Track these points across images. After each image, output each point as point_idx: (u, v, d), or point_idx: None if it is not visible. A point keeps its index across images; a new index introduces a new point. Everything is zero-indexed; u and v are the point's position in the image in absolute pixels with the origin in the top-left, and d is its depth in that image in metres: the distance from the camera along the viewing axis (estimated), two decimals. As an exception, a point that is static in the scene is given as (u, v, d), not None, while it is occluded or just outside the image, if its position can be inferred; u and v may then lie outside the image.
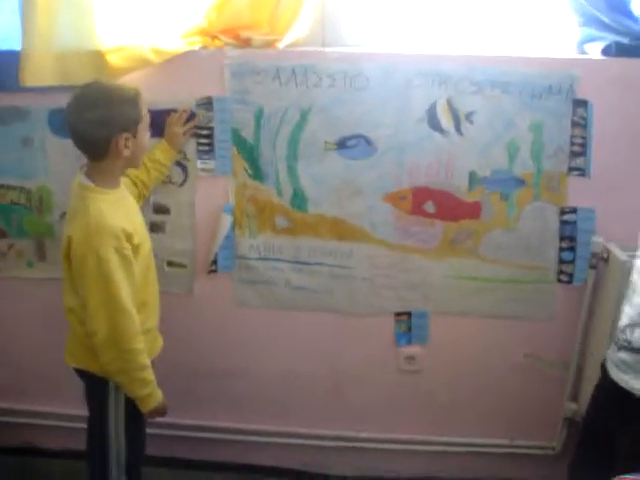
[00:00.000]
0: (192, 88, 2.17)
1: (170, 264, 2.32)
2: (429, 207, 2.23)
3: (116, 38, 2.09)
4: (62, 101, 1.78)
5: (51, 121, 2.21)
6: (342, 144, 2.18)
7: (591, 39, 2.11)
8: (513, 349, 2.32)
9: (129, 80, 2.07)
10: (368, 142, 2.17)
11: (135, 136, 1.77)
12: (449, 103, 2.13)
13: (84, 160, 1.81)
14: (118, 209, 1.81)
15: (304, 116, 2.15)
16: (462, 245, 2.25)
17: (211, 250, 2.26)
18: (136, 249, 1.82)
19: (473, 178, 2.18)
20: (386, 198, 2.22)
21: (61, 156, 2.21)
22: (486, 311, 2.31)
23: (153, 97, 2.05)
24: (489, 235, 2.23)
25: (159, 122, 2.14)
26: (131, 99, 1.77)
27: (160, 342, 2.02)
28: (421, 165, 2.19)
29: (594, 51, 2.09)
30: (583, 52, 2.15)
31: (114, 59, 2.10)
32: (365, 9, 2.27)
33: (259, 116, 2.17)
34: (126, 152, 1.76)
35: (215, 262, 2.28)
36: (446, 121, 2.15)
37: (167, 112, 2.17)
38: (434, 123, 2.15)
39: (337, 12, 2.26)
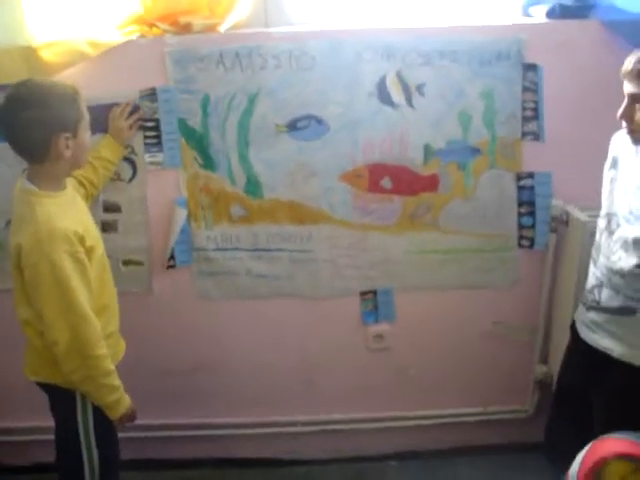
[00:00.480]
0: (133, 80, 2.08)
1: (126, 263, 2.24)
2: (386, 183, 2.19)
3: (49, 32, 1.99)
4: (-4, 103, 1.68)
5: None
6: (293, 126, 2.12)
7: (535, 2, 2.09)
8: (481, 318, 2.31)
9: (66, 76, 1.97)
10: (319, 122, 2.12)
11: (76, 136, 1.68)
12: (398, 76, 2.09)
13: (25, 164, 1.71)
14: (67, 211, 1.72)
15: (252, 100, 2.09)
16: (422, 219, 2.22)
17: (167, 245, 2.19)
18: (90, 252, 1.73)
19: (428, 151, 2.15)
20: (342, 177, 2.17)
21: (-1, 160, 2.09)
22: (451, 283, 2.29)
23: (93, 92, 1.96)
24: (448, 207, 2.21)
25: (102, 118, 2.05)
26: (69, 96, 1.68)
27: (123, 345, 1.94)
28: (375, 141, 2.14)
29: (539, 14, 2.07)
30: (528, 15, 2.12)
31: (48, 55, 2.00)
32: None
33: (206, 104, 2.09)
34: (67, 153, 1.66)
35: (173, 257, 2.21)
36: (397, 94, 2.10)
37: (109, 107, 2.08)
38: (385, 97, 2.10)
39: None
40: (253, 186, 2.16)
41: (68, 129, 1.65)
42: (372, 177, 2.17)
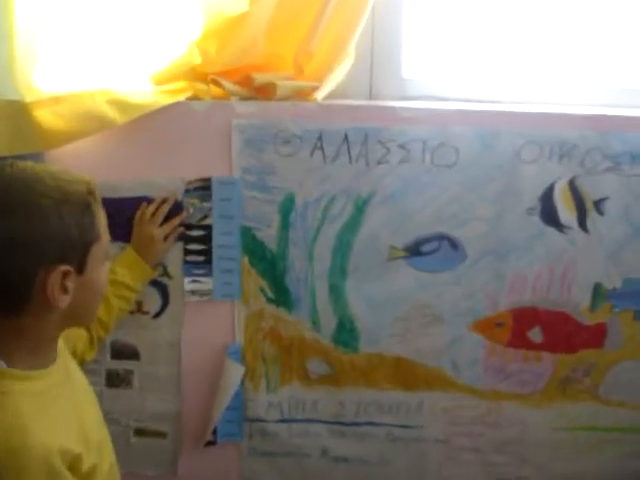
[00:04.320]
0: (177, 164, 1.28)
1: (140, 433, 1.41)
2: (535, 335, 1.42)
3: (52, 82, 1.16)
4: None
5: None
6: (415, 249, 1.34)
7: None
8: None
9: (72, 153, 1.15)
10: (453, 245, 1.34)
11: (82, 270, 0.89)
12: (572, 186, 1.33)
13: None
14: (53, 407, 0.91)
15: (360, 208, 1.30)
16: (578, 385, 1.46)
17: (211, 416, 1.36)
18: (88, 476, 0.90)
19: (598, 292, 1.40)
20: (476, 326, 1.40)
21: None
22: (605, 471, 1.52)
23: (112, 178, 1.23)
24: (615, 369, 1.46)
25: (123, 219, 1.26)
26: (78, 200, 0.88)
27: None
28: (528, 276, 1.38)
29: None
30: None
31: (47, 117, 1.18)
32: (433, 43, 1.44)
33: (288, 209, 1.30)
34: (63, 300, 0.87)
35: (214, 429, 1.37)
36: (567, 212, 1.35)
37: (135, 203, 1.26)
38: (550, 215, 1.35)
39: (389, 49, 1.41)
40: (346, 334, 1.37)
41: (70, 259, 0.87)
42: (517, 326, 1.41)
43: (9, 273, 0.84)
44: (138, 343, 1.36)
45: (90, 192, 0.90)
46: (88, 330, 1.21)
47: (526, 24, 1.41)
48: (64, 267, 0.86)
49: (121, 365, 1.37)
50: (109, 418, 1.33)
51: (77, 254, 0.88)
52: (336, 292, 1.35)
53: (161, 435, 1.41)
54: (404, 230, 1.33)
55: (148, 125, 1.25)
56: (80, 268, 0.89)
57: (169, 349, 1.36)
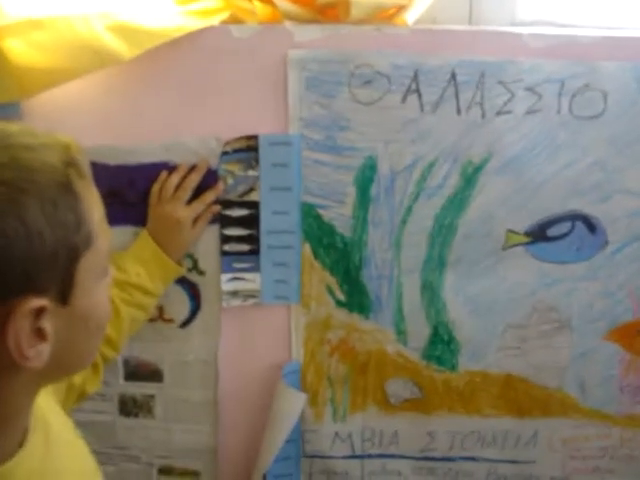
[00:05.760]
0: (210, 118, 0.90)
1: (166, 472, 1.05)
2: (688, 344, 1.03)
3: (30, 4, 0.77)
4: None
5: None
6: (539, 233, 0.95)
7: None
8: None
9: (60, 104, 0.78)
10: (591, 227, 0.96)
11: (67, 298, 0.50)
12: None
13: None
14: None
15: (470, 178, 0.91)
16: None
17: (262, 458, 0.99)
18: None
19: None
20: (612, 334, 1.03)
21: None
22: None
23: (120, 140, 0.87)
24: None
25: (137, 195, 0.87)
26: (48, 182, 0.47)
27: None
28: (687, 269, 0.98)
29: None
30: None
31: (21, 49, 0.79)
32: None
33: (367, 178, 0.91)
34: (39, 353, 0.49)
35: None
36: None
37: (153, 171, 0.87)
38: None
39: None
40: (442, 346, 0.99)
41: (44, 285, 0.48)
42: (667, 334, 1.02)
43: None
44: (160, 360, 0.99)
45: (70, 163, 0.50)
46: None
47: None
48: (35, 301, 0.47)
49: (139, 388, 1.00)
50: (125, 454, 0.98)
51: (56, 275, 0.49)
52: (431, 292, 0.96)
53: (193, 475, 1.05)
54: (527, 208, 0.94)
55: (168, 61, 0.85)
56: (63, 296, 0.50)
57: (202, 368, 0.99)
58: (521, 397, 1.04)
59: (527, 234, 0.95)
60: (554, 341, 1.01)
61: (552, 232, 0.96)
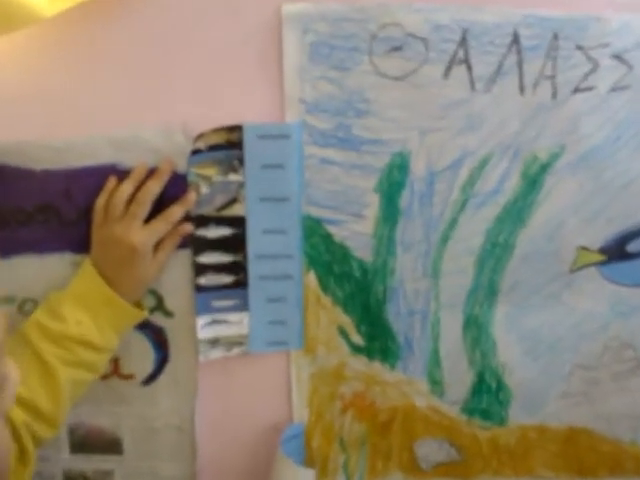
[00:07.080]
0: (175, 101, 0.62)
1: None
2: None
3: None
4: None
5: None
6: (617, 250, 0.70)
7: None
8: None
9: None
10: (682, 240, 0.71)
11: None
12: None
13: None
14: None
15: (534, 179, 0.66)
16: None
17: None
18: None
19: None
20: (701, 373, 0.78)
21: None
22: None
23: (48, 134, 0.59)
24: None
25: (74, 211, 0.62)
26: None
27: None
28: None
29: None
30: None
31: None
32: None
33: (396, 182, 0.66)
34: None
35: None
36: None
37: (97, 177, 0.60)
38: None
39: None
40: (488, 396, 0.75)
41: None
42: None
43: None
44: (117, 427, 0.73)
45: None
46: (17, 438, 0.58)
47: None
48: None
49: (90, 463, 0.75)
50: None
51: None
52: (476, 329, 0.72)
53: None
54: (604, 216, 0.69)
55: (114, 21, 0.58)
56: None
57: (175, 435, 0.74)
58: (584, 453, 0.81)
59: (602, 251, 0.71)
60: (630, 385, 0.78)
61: (632, 247, 0.72)
